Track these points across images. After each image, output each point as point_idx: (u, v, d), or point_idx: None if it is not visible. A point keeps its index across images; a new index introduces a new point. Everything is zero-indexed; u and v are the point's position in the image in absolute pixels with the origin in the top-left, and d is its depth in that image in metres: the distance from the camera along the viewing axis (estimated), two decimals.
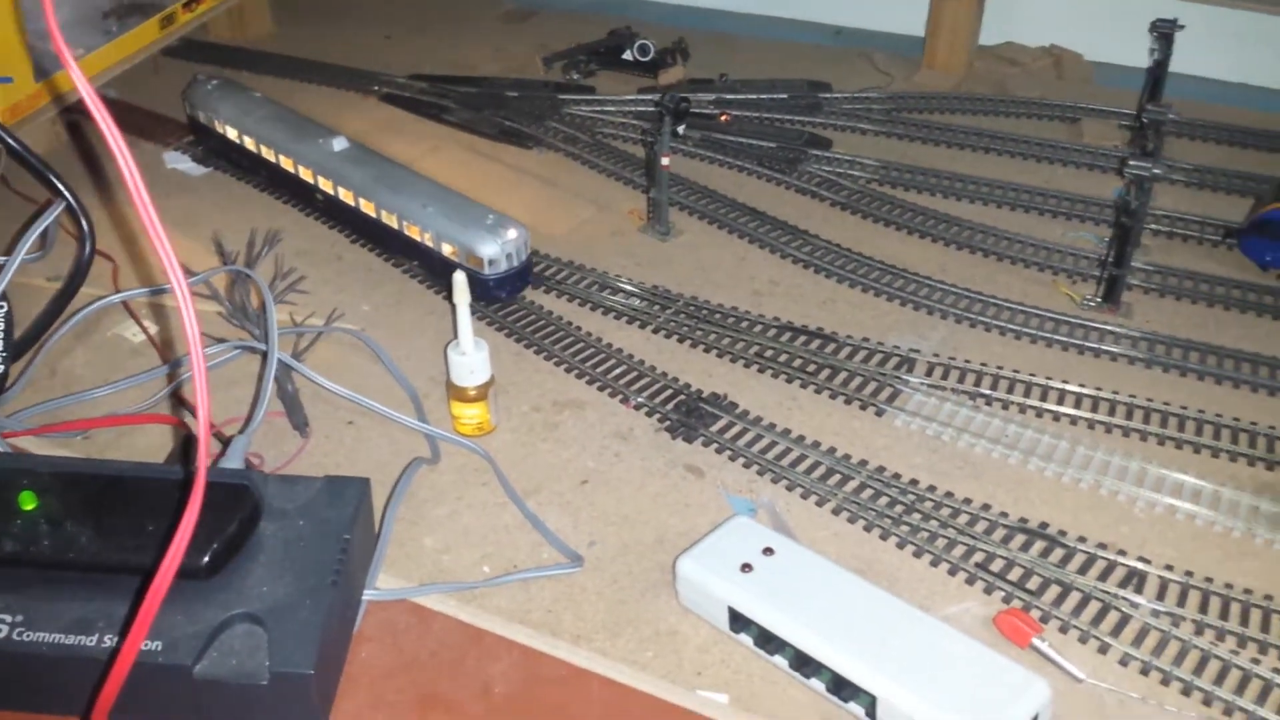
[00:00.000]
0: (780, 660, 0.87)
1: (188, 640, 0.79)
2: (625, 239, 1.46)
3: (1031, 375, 1.18)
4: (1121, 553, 0.98)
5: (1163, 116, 1.29)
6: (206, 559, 0.81)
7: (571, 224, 1.49)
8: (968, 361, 1.21)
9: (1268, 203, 1.35)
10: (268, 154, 1.50)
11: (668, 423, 1.14)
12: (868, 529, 1.01)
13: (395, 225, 1.34)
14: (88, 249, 1.12)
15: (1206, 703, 0.85)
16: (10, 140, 1.07)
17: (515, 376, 1.21)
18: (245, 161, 1.57)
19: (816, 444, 1.10)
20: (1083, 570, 0.96)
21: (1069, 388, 1.17)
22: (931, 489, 1.05)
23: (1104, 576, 0.96)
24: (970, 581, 0.96)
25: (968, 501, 1.03)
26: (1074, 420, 1.13)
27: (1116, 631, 0.91)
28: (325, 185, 1.43)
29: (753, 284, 1.36)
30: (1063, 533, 1.00)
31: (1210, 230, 1.43)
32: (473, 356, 1.09)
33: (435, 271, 1.34)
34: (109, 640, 0.79)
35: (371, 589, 0.93)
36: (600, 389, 1.19)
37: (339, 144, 1.42)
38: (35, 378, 1.19)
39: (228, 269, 1.25)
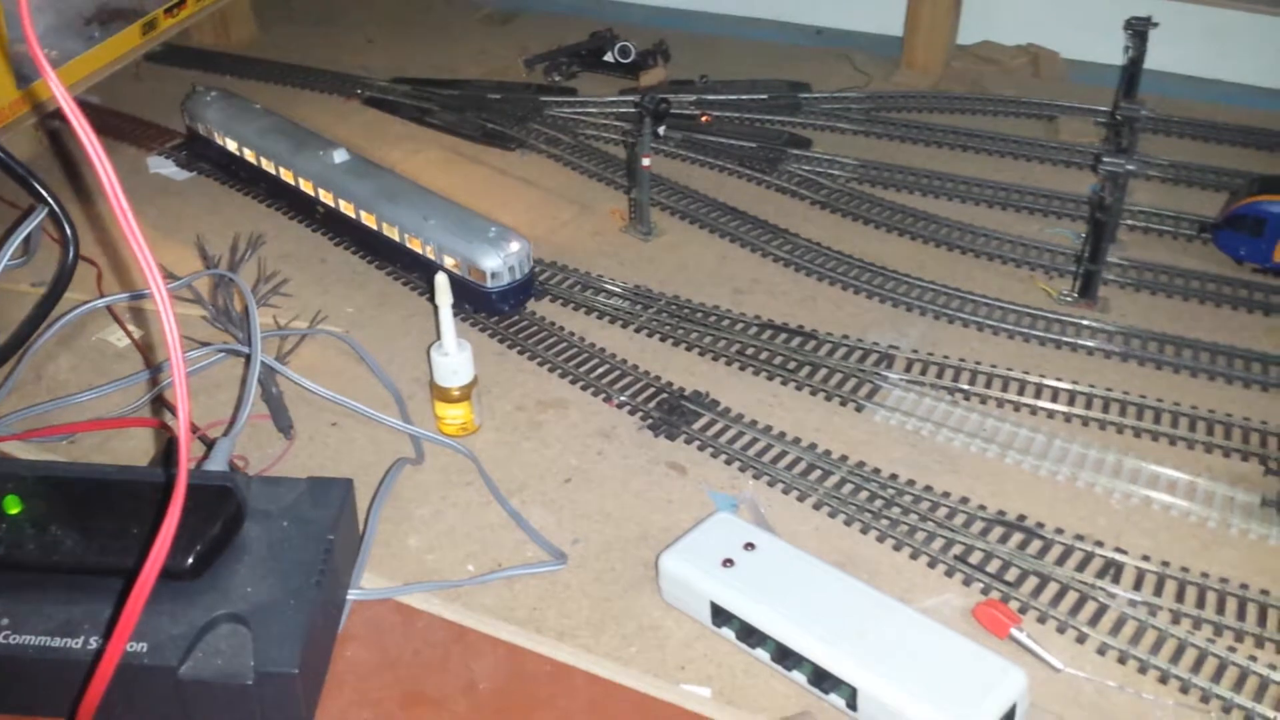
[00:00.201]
0: (762, 653, 0.88)
1: (173, 641, 0.79)
2: (607, 239, 1.47)
3: (1009, 370, 1.20)
4: (1098, 544, 0.99)
5: (1137, 113, 1.30)
6: (190, 560, 0.82)
7: (554, 225, 1.50)
8: (946, 357, 1.22)
9: (1242, 197, 1.36)
10: (268, 166, 1.49)
11: (650, 421, 1.15)
12: (848, 523, 1.02)
13: (397, 238, 1.34)
14: (71, 254, 1.12)
15: (1183, 690, 0.86)
16: None
17: (499, 376, 1.22)
18: (245, 173, 1.56)
19: (797, 440, 1.11)
20: (1060, 561, 0.97)
21: (1046, 382, 1.18)
22: (911, 483, 1.06)
23: (1081, 567, 0.97)
24: (949, 573, 0.97)
25: (946, 495, 1.04)
26: (1051, 414, 1.15)
27: (1094, 621, 0.92)
28: (326, 198, 1.42)
29: (734, 283, 1.37)
30: (1040, 525, 1.01)
31: (1185, 225, 1.44)
32: (456, 357, 1.09)
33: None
34: (94, 642, 0.79)
35: (356, 588, 0.94)
36: (583, 388, 1.20)
37: (340, 156, 1.41)
38: (20, 383, 1.19)
39: (210, 272, 1.26)
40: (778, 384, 1.20)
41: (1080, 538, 0.99)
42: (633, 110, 1.47)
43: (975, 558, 0.98)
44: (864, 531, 1.01)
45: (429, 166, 1.63)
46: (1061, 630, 0.91)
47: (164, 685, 0.78)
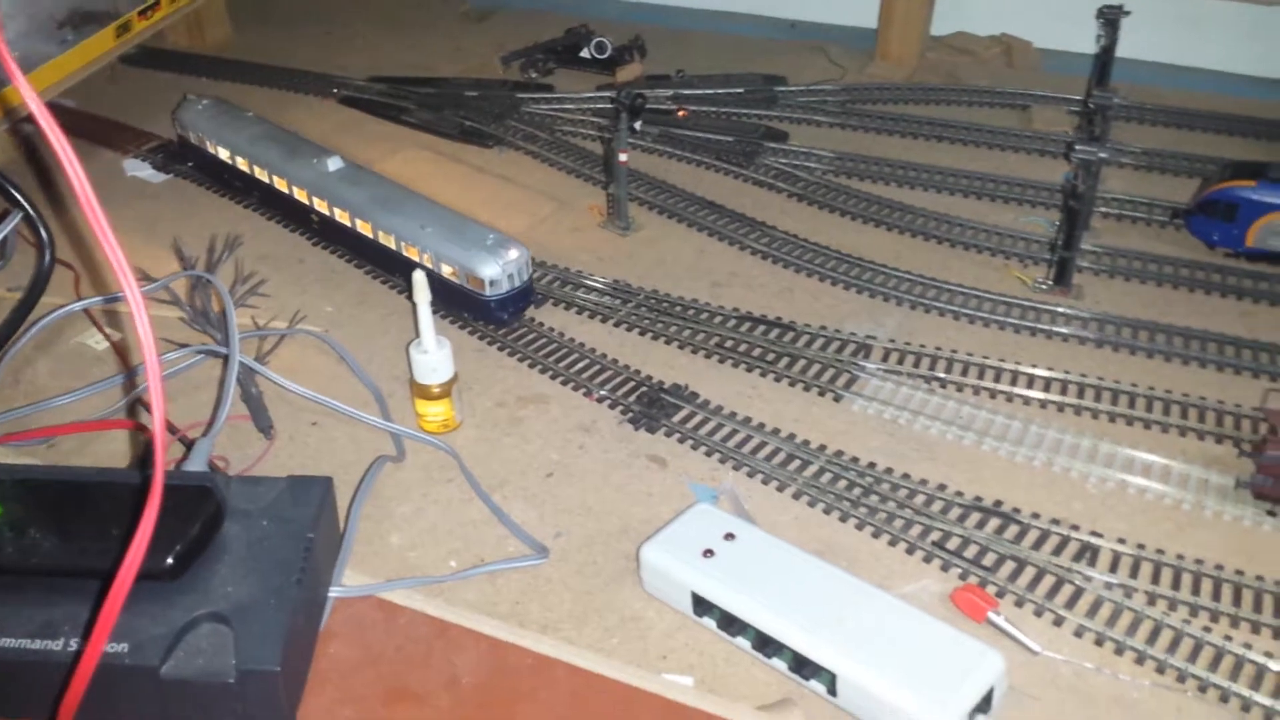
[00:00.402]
0: (743, 642, 0.88)
1: (154, 641, 0.79)
2: (586, 235, 1.47)
3: (985, 358, 1.20)
4: (1075, 528, 1.00)
5: (1108, 101, 1.31)
6: (170, 561, 0.82)
7: (532, 221, 1.50)
8: (923, 346, 1.23)
9: (1214, 183, 1.37)
10: (261, 175, 1.47)
11: (630, 414, 1.15)
12: (827, 511, 1.03)
13: (393, 246, 1.31)
14: (48, 258, 1.12)
15: (1160, 671, 0.87)
16: None
17: (479, 373, 1.22)
18: (238, 182, 1.54)
19: (776, 431, 1.12)
20: (1037, 546, 0.98)
21: (1022, 369, 1.19)
22: (889, 471, 1.07)
23: (1058, 551, 0.98)
24: (927, 560, 0.97)
25: (924, 482, 1.05)
26: (1027, 400, 1.15)
27: (1071, 604, 0.93)
28: (320, 206, 1.40)
29: (712, 276, 1.38)
30: (1017, 510, 1.02)
31: (1158, 211, 1.46)
32: (435, 354, 1.10)
33: (435, 294, 1.28)
34: (75, 644, 0.79)
35: (338, 586, 0.94)
36: (563, 383, 1.20)
37: (334, 164, 1.39)
38: None
39: (187, 274, 1.26)
40: (757, 375, 1.21)
41: (1056, 522, 1.00)
42: (609, 106, 1.47)
43: (953, 543, 0.99)
44: (843, 520, 1.02)
45: (407, 165, 1.63)
46: (1039, 613, 0.92)
47: (146, 685, 0.78)
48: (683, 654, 0.90)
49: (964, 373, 1.19)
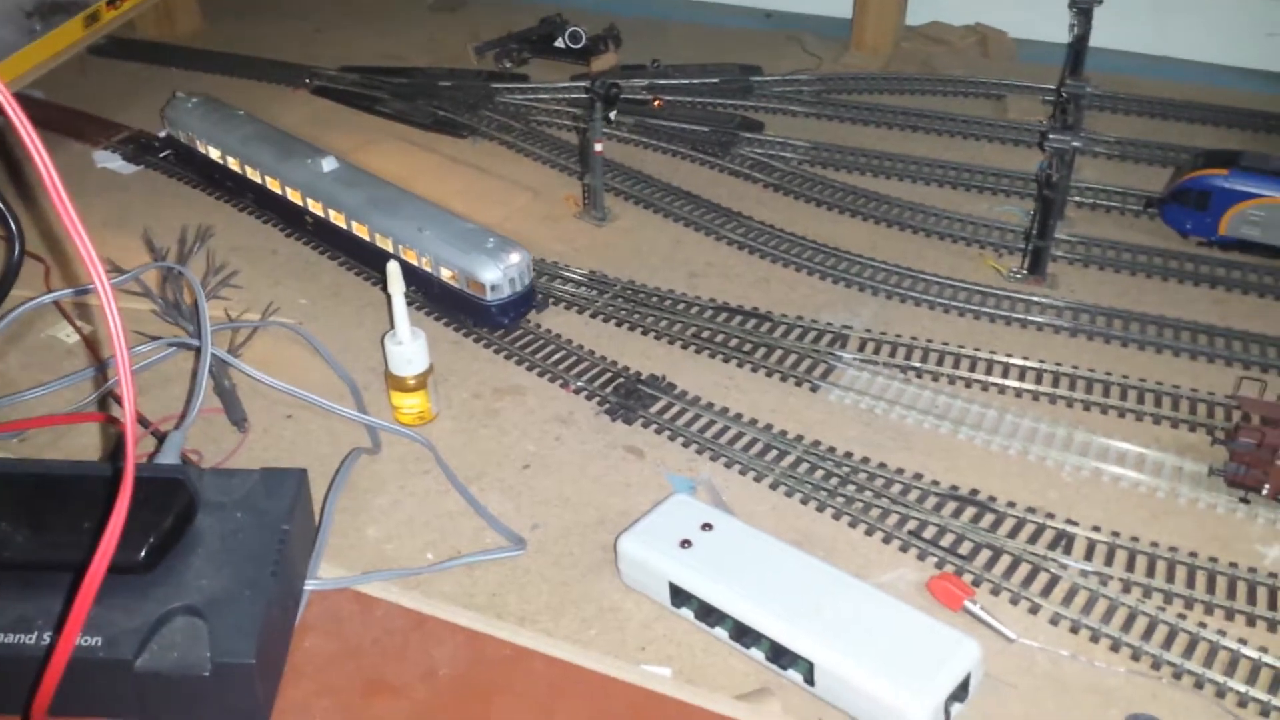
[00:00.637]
0: (720, 632, 0.88)
1: (128, 635, 0.79)
2: (561, 225, 1.47)
3: (960, 347, 1.21)
4: (1050, 516, 1.00)
5: (1081, 90, 1.32)
6: (143, 554, 0.81)
7: (508, 212, 1.49)
8: (899, 336, 1.23)
9: (1187, 172, 1.38)
10: (253, 175, 1.44)
11: (607, 405, 1.15)
12: (804, 501, 1.03)
13: (390, 249, 1.28)
14: (17, 250, 1.10)
15: (1135, 658, 0.88)
16: None
17: (455, 364, 1.21)
18: (230, 183, 1.50)
19: (754, 421, 1.12)
20: (1012, 534, 0.99)
21: (997, 358, 1.19)
22: (865, 461, 1.07)
23: (1033, 539, 0.98)
24: (904, 549, 0.98)
25: (900, 471, 1.05)
26: (1002, 389, 1.16)
27: (1046, 592, 0.93)
28: (315, 208, 1.37)
29: (688, 266, 1.38)
30: (992, 499, 1.02)
31: (1132, 201, 1.46)
32: (410, 346, 1.09)
33: (434, 298, 1.28)
34: (48, 638, 0.78)
35: (314, 579, 0.94)
36: (540, 374, 1.20)
37: (328, 164, 1.36)
38: None
39: (158, 265, 1.24)
40: (733, 366, 1.21)
41: (1032, 510, 1.01)
42: (584, 96, 1.47)
43: (929, 533, 0.99)
44: (820, 510, 1.02)
45: (380, 155, 1.62)
46: (1014, 602, 0.93)
47: (120, 679, 0.78)
48: (661, 645, 0.90)
49: (939, 362, 1.19)
